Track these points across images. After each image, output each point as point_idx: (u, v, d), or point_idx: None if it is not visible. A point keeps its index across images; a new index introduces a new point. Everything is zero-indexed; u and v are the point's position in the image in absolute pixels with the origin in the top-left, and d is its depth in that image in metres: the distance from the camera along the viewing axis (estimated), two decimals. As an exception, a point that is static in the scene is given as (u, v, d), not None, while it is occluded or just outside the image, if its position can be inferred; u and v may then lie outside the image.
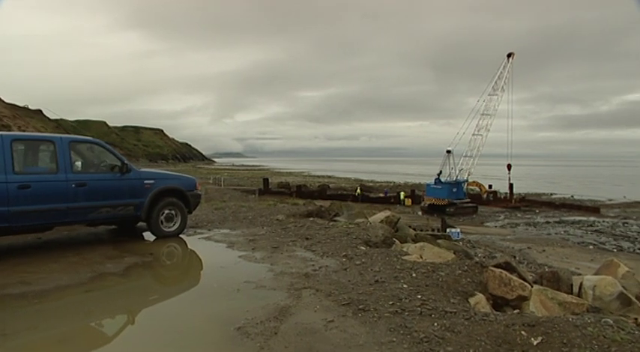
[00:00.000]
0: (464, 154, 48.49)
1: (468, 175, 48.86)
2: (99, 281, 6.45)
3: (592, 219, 42.20)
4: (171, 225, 9.50)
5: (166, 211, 9.37)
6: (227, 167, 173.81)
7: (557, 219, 41.48)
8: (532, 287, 7.38)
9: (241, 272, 6.87)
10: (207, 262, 7.98)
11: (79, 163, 8.44)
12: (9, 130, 56.03)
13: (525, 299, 6.77)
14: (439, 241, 13.94)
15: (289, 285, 6.00)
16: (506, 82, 48.19)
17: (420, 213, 44.60)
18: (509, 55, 48.95)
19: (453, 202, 44.20)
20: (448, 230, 27.58)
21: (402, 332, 4.47)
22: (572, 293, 9.37)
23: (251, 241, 9.08)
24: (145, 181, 9.08)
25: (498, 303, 6.53)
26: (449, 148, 47.42)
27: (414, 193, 52.90)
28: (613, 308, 9.18)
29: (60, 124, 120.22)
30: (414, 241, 11.10)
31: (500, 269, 7.01)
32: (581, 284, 9.65)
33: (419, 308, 5.05)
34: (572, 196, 64.56)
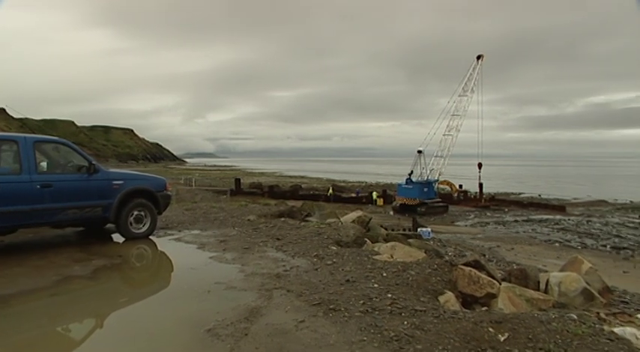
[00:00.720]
0: (435, 154, 49.09)
1: (439, 175, 49.46)
2: (65, 285, 6.29)
3: (558, 217, 43.18)
4: (141, 226, 9.34)
5: (136, 212, 9.22)
6: (199, 167, 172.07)
7: (525, 218, 42.31)
8: (500, 284, 7.51)
9: (212, 273, 6.81)
10: (177, 263, 7.88)
11: (44, 164, 8.23)
12: (-29, 130, 54.50)
13: (494, 296, 6.88)
14: (410, 240, 14.07)
15: (260, 286, 5.97)
16: (476, 84, 49.03)
17: (391, 212, 44.93)
18: (478, 57, 49.75)
19: (424, 202, 44.64)
20: (419, 229, 27.85)
21: (372, 331, 4.50)
22: (539, 290, 9.59)
23: (222, 242, 9.01)
24: (114, 182, 8.92)
25: (468, 301, 6.62)
26: (420, 148, 47.92)
27: (386, 193, 53.28)
28: (577, 304, 9.43)
29: (25, 124, 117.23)
30: (386, 241, 11.18)
31: (469, 268, 7.12)
32: (547, 280, 9.89)
33: (389, 307, 5.09)
34: (539, 195, 65.99)
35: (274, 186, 61.36)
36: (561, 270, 11.72)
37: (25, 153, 7.76)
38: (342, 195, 55.28)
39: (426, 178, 47.43)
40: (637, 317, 10.80)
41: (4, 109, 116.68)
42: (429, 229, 28.15)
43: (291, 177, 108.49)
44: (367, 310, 5.03)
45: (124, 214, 8.99)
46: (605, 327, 5.22)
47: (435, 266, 6.74)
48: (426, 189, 45.74)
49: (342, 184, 76.19)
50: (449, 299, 5.96)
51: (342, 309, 5.06)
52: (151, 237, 9.49)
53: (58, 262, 7.37)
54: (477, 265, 7.81)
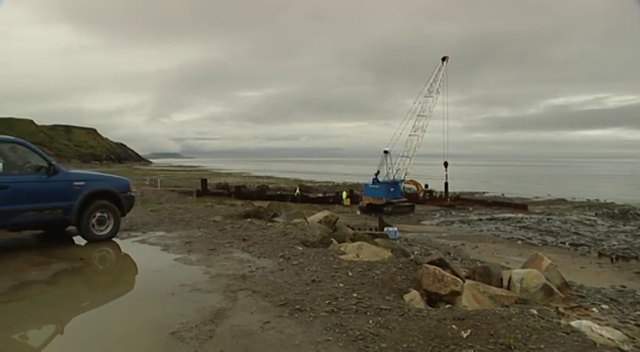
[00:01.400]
0: (401, 154, 49.59)
1: (405, 175, 50.00)
2: (22, 291, 6.08)
3: (520, 215, 44.24)
4: (104, 228, 9.15)
5: (98, 214, 9.02)
6: (164, 168, 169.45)
7: (489, 217, 43.19)
8: (464, 282, 7.65)
9: (177, 275, 6.72)
10: (141, 266, 7.75)
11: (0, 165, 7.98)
12: None
13: (458, 294, 7.01)
14: (377, 240, 14.21)
15: (225, 287, 5.93)
16: (441, 85, 49.76)
17: (358, 212, 45.18)
18: (443, 59, 50.52)
19: (390, 201, 45.03)
20: (385, 229, 28.09)
21: (337, 330, 4.53)
22: (502, 287, 9.82)
23: (187, 243, 8.90)
24: (75, 183, 8.70)
25: (432, 299, 6.72)
26: (386, 148, 48.35)
27: (353, 193, 53.56)
28: (538, 299, 9.70)
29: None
30: (353, 240, 11.25)
31: (434, 266, 7.23)
32: (510, 277, 10.15)
33: (354, 307, 5.13)
34: (502, 194, 67.48)
35: (241, 187, 60.92)
36: (523, 267, 12.05)
37: (-20, 154, 7.51)
38: (309, 196, 55.31)
39: (392, 178, 47.87)
40: (592, 311, 11.20)
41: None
42: (396, 229, 28.43)
43: (258, 177, 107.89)
44: (333, 310, 5.06)
45: (85, 216, 8.78)
46: (563, 321, 5.39)
47: (400, 265, 6.82)
48: (392, 189, 46.16)
49: (310, 184, 76.20)
50: (414, 298, 6.04)
51: (308, 309, 5.08)
52: (114, 239, 9.30)
53: (15, 266, 7.13)
54: (441, 263, 7.95)
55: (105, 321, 5.19)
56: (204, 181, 60.85)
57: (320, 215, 13.12)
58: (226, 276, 6.46)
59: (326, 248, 8.81)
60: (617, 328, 7.79)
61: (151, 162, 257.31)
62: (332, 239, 10.08)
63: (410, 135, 49.15)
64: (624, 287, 17.33)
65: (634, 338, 7.36)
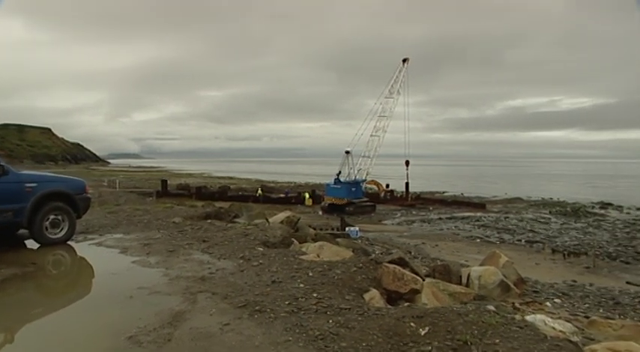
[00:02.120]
0: (362, 154, 49.95)
1: (367, 175, 50.38)
2: (-33, 298, 5.86)
3: (479, 214, 45.23)
4: (58, 231, 8.89)
5: (52, 216, 8.76)
6: (123, 168, 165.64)
7: (449, 216, 43.95)
8: (424, 280, 7.79)
9: (135, 278, 6.60)
10: (98, 269, 7.57)
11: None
12: None
13: (418, 292, 7.12)
14: (338, 240, 14.32)
15: (185, 289, 5.86)
16: (402, 86, 50.32)
17: (320, 212, 45.26)
18: (404, 60, 51.12)
19: (352, 201, 45.28)
20: (347, 229, 28.26)
21: (297, 331, 4.54)
22: (461, 284, 10.07)
23: (146, 245, 8.74)
24: (26, 184, 8.42)
25: (393, 298, 6.80)
26: (348, 149, 48.62)
27: (315, 193, 53.63)
28: (495, 295, 9.99)
29: None
30: (314, 240, 11.30)
31: (394, 265, 7.32)
32: (469, 275, 10.42)
33: (314, 307, 5.15)
34: (462, 194, 68.92)
35: (202, 188, 60.12)
36: (481, 265, 12.38)
37: None
38: (271, 196, 55.05)
39: (353, 178, 48.16)
40: (546, 305, 11.61)
41: None
42: (357, 228, 28.63)
43: (219, 178, 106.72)
44: (293, 310, 5.07)
45: (38, 219, 8.51)
46: (517, 316, 5.55)
47: (361, 264, 6.87)
48: (353, 189, 46.43)
49: (272, 185, 75.90)
50: (374, 297, 6.10)
51: (268, 310, 5.07)
52: (69, 242, 9.05)
53: (-40, 273, 6.85)
54: (401, 262, 8.05)
55: (59, 328, 5.05)
56: (164, 182, 59.79)
57: (282, 215, 13.12)
58: (186, 278, 6.38)
59: (287, 248, 8.82)
60: (568, 320, 8.09)
61: (109, 163, 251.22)
62: (293, 239, 10.09)
63: (371, 136, 49.58)
64: (575, 281, 17.98)
65: (583, 330, 7.68)
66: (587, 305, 13.35)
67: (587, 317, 9.76)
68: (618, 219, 42.13)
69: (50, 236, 8.75)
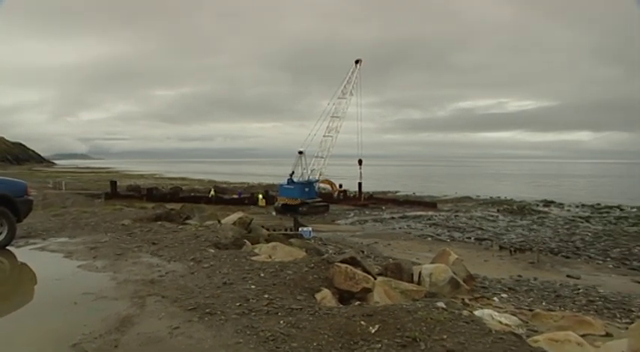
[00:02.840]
0: (315, 155, 50.07)
1: (320, 175, 50.56)
2: None
3: (430, 213, 46.24)
4: (-4, 235, 8.50)
5: (-11, 220, 8.37)
6: (70, 169, 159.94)
7: (401, 215, 44.71)
8: (376, 279, 7.89)
9: (80, 283, 6.38)
10: (40, 275, 7.25)
11: None
12: None
13: (370, 291, 7.20)
14: (292, 240, 14.30)
15: (133, 293, 5.72)
16: (355, 87, 50.75)
17: (273, 213, 45.12)
18: (357, 61, 51.60)
19: (305, 202, 45.36)
20: (300, 229, 28.28)
21: (248, 332, 4.51)
22: (413, 282, 10.25)
23: (92, 249, 8.48)
24: (-38, 187, 8.03)
25: (345, 297, 6.85)
26: (301, 149, 48.67)
27: (268, 194, 53.42)
28: (446, 292, 10.23)
29: None
30: (267, 241, 11.26)
31: (345, 265, 7.37)
32: (420, 273, 10.63)
33: (266, 308, 5.13)
34: (413, 193, 70.29)
35: (153, 189, 58.80)
36: (432, 262, 12.65)
37: None
38: (224, 197, 54.47)
39: (307, 178, 48.24)
40: (494, 300, 11.98)
41: None
42: (310, 228, 28.69)
43: (171, 178, 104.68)
44: (244, 312, 5.03)
45: (-26, 223, 8.12)
46: (465, 312, 5.72)
47: (313, 264, 6.89)
48: (307, 189, 46.52)
49: (225, 185, 75.07)
50: (325, 296, 6.13)
51: (219, 312, 5.01)
52: (8, 247, 8.65)
53: None
54: (353, 262, 8.12)
55: (-2, 336, 4.82)
56: (113, 183, 58.10)
57: (234, 216, 13.01)
58: (134, 282, 6.23)
59: (239, 249, 8.75)
60: (513, 314, 8.41)
61: (54, 164, 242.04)
62: (245, 240, 10.03)
63: (324, 136, 49.77)
64: (520, 276, 18.64)
65: (527, 322, 8.00)
66: (531, 298, 13.85)
67: (531, 310, 10.12)
68: (560, 216, 44.03)
69: (-12, 241, 8.35)
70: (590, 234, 33.62)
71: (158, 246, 8.54)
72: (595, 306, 13.19)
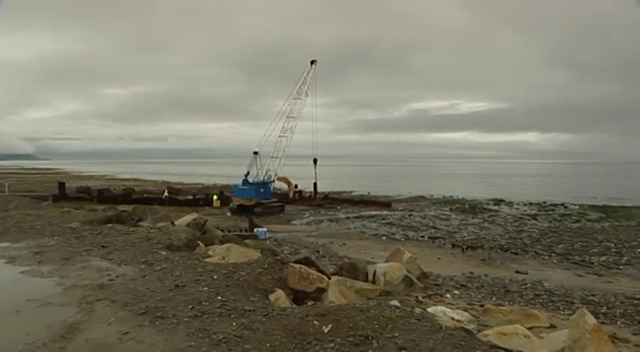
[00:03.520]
0: (270, 155, 49.81)
1: (275, 175, 50.36)
2: None
3: (385, 212, 46.72)
4: None
5: None
6: (14, 170, 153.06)
7: (356, 215, 44.98)
8: (330, 279, 7.93)
9: (23, 289, 6.13)
10: (-22, 282, 6.91)
11: None
12: None
13: (324, 290, 7.24)
14: (247, 241, 14.20)
15: (81, 299, 5.54)
16: (310, 87, 50.73)
17: (228, 214, 44.60)
18: (312, 62, 51.63)
19: (260, 202, 45.03)
20: (255, 229, 28.07)
21: (200, 335, 4.45)
22: (368, 281, 10.37)
23: (37, 254, 8.16)
24: None
25: (299, 297, 6.86)
26: (256, 149, 48.30)
27: (223, 194, 52.80)
28: (400, 290, 10.40)
29: None
30: (222, 242, 11.14)
31: (300, 265, 7.39)
32: (374, 271, 10.77)
33: (218, 310, 5.08)
34: (368, 193, 70.94)
35: (104, 190, 57.05)
36: (386, 261, 12.82)
37: None
38: (178, 198, 53.41)
39: (262, 179, 47.97)
40: (446, 297, 12.25)
41: None
42: (265, 229, 28.51)
43: (123, 180, 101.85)
44: (196, 314, 4.97)
45: None
46: (417, 309, 5.82)
47: (266, 265, 6.87)
48: (262, 190, 46.22)
49: (179, 186, 73.65)
50: (279, 297, 6.13)
51: (170, 316, 4.93)
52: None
53: None
54: (307, 262, 8.15)
55: None
56: (62, 185, 55.98)
57: (188, 218, 12.82)
58: (82, 287, 6.04)
59: (192, 251, 8.62)
60: (465, 310, 8.64)
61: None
62: (199, 242, 9.89)
63: (279, 136, 49.59)
64: (472, 273, 19.10)
65: (478, 317, 8.22)
66: (482, 294, 14.22)
67: (482, 306, 10.41)
68: (509, 215, 45.43)
69: None
70: (536, 231, 34.84)
71: (108, 249, 8.31)
72: (541, 300, 13.68)
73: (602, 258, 24.34)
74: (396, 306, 5.26)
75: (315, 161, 53.75)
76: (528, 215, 45.19)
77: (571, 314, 9.97)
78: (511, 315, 8.60)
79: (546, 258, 25.22)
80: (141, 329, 4.61)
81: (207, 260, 7.50)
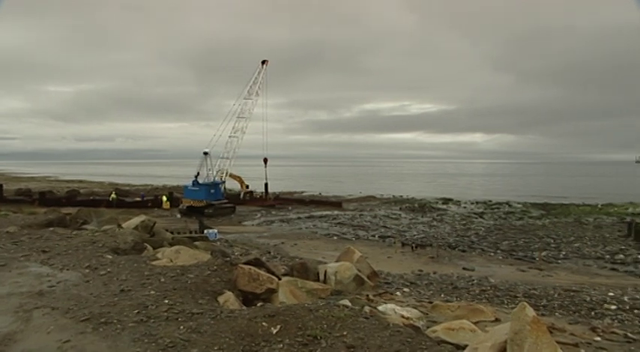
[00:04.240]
0: (221, 156, 49.32)
1: (226, 176, 49.88)
2: None
3: (336, 212, 47.16)
4: None
5: None
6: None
7: (308, 215, 45.18)
8: (280, 279, 7.91)
9: (-48, 300, 5.78)
10: None
11: None
12: None
13: (274, 291, 7.21)
14: (197, 243, 13.98)
15: (17, 307, 5.28)
16: (261, 87, 50.61)
17: (178, 215, 43.82)
18: (263, 62, 51.48)
19: (211, 203, 44.51)
20: (206, 231, 27.67)
21: (146, 340, 4.34)
22: (319, 281, 10.41)
23: (-32, 261, 7.72)
24: None
25: (249, 298, 6.81)
26: (206, 150, 47.66)
27: (173, 196, 51.82)
28: (351, 289, 10.50)
29: None
30: (171, 245, 10.93)
31: (249, 266, 7.33)
32: (325, 271, 10.83)
33: (165, 314, 4.97)
34: (320, 193, 71.36)
35: (46, 193, 54.88)
36: (337, 261, 12.91)
37: None
38: (125, 200, 52.03)
39: (212, 180, 47.38)
40: (396, 295, 12.44)
41: None
42: (216, 230, 28.18)
43: (67, 181, 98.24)
44: (142, 319, 4.84)
45: None
46: (366, 308, 5.89)
47: (215, 267, 6.79)
48: (212, 191, 45.66)
49: (127, 188, 71.84)
50: (228, 299, 6.06)
51: (115, 321, 4.78)
52: None
53: None
54: (257, 263, 8.10)
55: None
56: (-1, 187, 53.56)
57: (136, 220, 12.52)
58: (19, 295, 5.76)
59: (139, 254, 8.41)
60: (414, 307, 8.80)
61: None
62: (146, 244, 9.66)
63: (230, 137, 49.17)
64: (421, 271, 19.50)
65: (427, 314, 8.41)
66: (431, 291, 14.52)
67: (431, 303, 10.63)
68: (457, 213, 46.75)
69: None
70: (483, 229, 36.02)
71: (49, 254, 7.97)
72: (487, 295, 14.11)
73: (543, 253, 25.48)
74: (345, 305, 5.30)
75: (265, 160, 53.63)
76: (475, 213, 46.67)
77: (514, 308, 10.38)
78: (458, 311, 8.85)
79: (492, 254, 26.15)
80: (83, 337, 4.44)
81: (155, 263, 7.33)
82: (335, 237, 32.40)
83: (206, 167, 47.27)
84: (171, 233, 17.02)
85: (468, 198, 62.12)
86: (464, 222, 40.55)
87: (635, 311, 12.41)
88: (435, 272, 19.10)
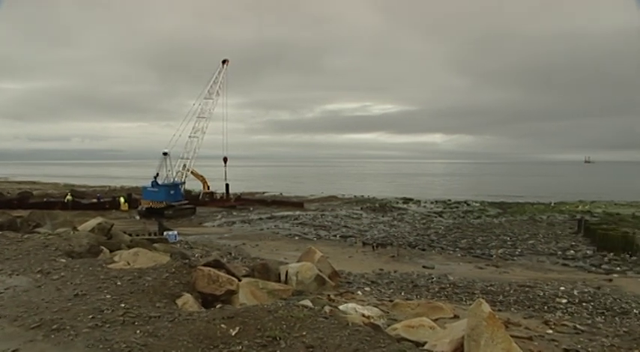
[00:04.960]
0: (181, 156, 48.61)
1: (185, 177, 49.20)
2: None
3: (297, 213, 47.09)
4: None
5: None
6: None
7: (269, 215, 44.95)
8: (241, 281, 7.85)
9: None
10: None
11: None
12: None
13: (234, 293, 7.16)
14: (156, 245, 13.72)
15: (-38, 316, 5.07)
16: (222, 87, 50.06)
17: (137, 217, 42.90)
18: (224, 61, 50.94)
19: (171, 204, 43.77)
20: (165, 233, 27.18)
21: (101, 346, 4.24)
22: (280, 281, 10.40)
23: None
24: None
25: (209, 300, 6.73)
26: (165, 150, 46.85)
27: (131, 197, 50.71)
28: (312, 289, 10.53)
29: None
30: (130, 247, 10.72)
31: (209, 268, 7.25)
32: (287, 272, 10.83)
33: (121, 318, 4.86)
34: (281, 193, 71.19)
35: (-4, 195, 52.90)
36: (298, 261, 12.92)
37: None
38: (82, 202, 50.54)
39: (172, 180, 46.64)
40: (358, 294, 12.54)
41: None
42: (176, 232, 27.73)
43: (19, 182, 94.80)
44: (97, 324, 4.72)
45: None
46: (326, 307, 5.91)
47: (174, 269, 6.68)
48: (172, 192, 44.90)
49: (83, 189, 69.86)
50: (187, 301, 5.98)
51: (68, 327, 4.64)
52: None
53: None
54: (217, 264, 8.02)
55: None
56: (-56, 190, 51.25)
57: (93, 222, 12.23)
58: (-36, 302, 5.53)
59: (95, 257, 8.20)
60: (375, 306, 8.90)
61: None
62: (102, 247, 9.43)
63: (190, 137, 48.50)
64: (382, 270, 19.71)
65: (388, 312, 8.51)
66: (392, 290, 14.70)
67: (391, 301, 10.78)
68: (417, 212, 47.47)
69: None
70: (442, 228, 36.68)
71: (-3, 260, 7.68)
72: (446, 292, 14.40)
73: (500, 251, 26.18)
74: (304, 306, 5.31)
75: (225, 160, 53.21)
76: (435, 212, 47.53)
77: (472, 305, 10.65)
78: (418, 309, 9.00)
79: (451, 252, 26.70)
80: (33, 345, 4.29)
81: (111, 266, 7.15)
82: (297, 238, 32.37)
83: (165, 168, 46.46)
84: (130, 235, 16.63)
85: (428, 197, 63.19)
86: (424, 221, 41.21)
87: (584, 303, 13.01)
88: (395, 271, 19.32)
